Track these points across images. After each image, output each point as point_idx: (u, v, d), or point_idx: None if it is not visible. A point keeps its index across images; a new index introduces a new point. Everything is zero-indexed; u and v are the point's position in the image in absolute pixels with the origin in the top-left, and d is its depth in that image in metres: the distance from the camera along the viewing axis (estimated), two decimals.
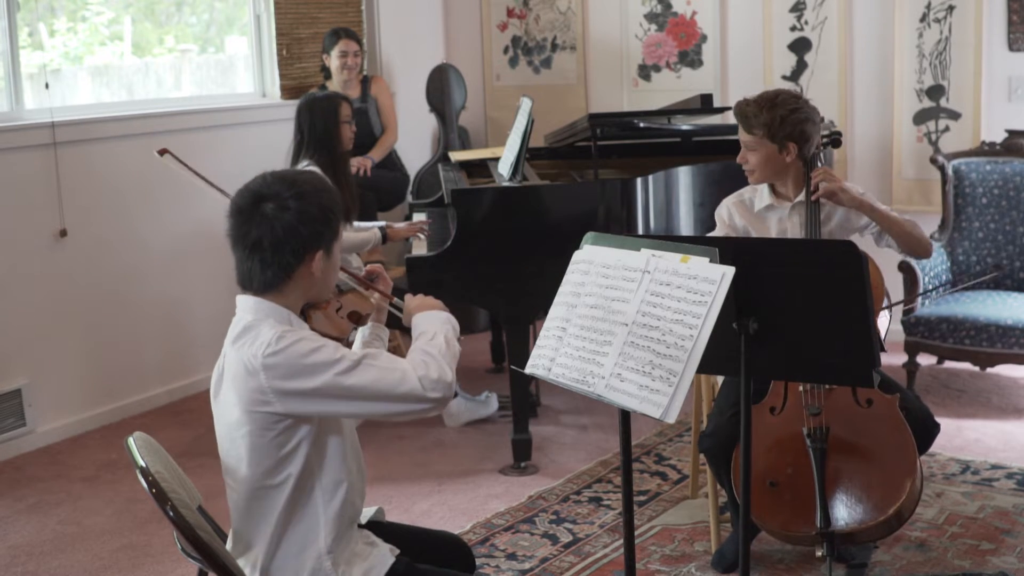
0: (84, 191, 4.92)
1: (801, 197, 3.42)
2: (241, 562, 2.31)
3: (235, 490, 2.33)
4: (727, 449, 3.20)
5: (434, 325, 2.42)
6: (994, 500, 3.87)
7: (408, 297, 2.59)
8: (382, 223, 4.78)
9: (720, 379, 3.56)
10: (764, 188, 3.48)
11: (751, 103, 3.42)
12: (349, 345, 2.45)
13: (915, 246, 3.45)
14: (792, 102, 3.38)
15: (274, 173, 2.34)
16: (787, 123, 3.36)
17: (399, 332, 4.54)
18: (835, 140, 3.62)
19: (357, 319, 2.58)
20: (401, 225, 4.78)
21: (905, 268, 4.90)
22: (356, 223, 4.68)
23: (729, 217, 3.52)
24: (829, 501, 2.99)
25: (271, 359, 2.18)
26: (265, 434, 2.23)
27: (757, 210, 3.48)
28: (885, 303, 3.29)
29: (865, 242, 3.25)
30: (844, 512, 2.99)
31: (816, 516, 2.95)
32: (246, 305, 2.30)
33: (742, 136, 3.45)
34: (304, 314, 2.36)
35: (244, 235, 2.27)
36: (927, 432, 3.20)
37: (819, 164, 3.44)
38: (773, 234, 3.45)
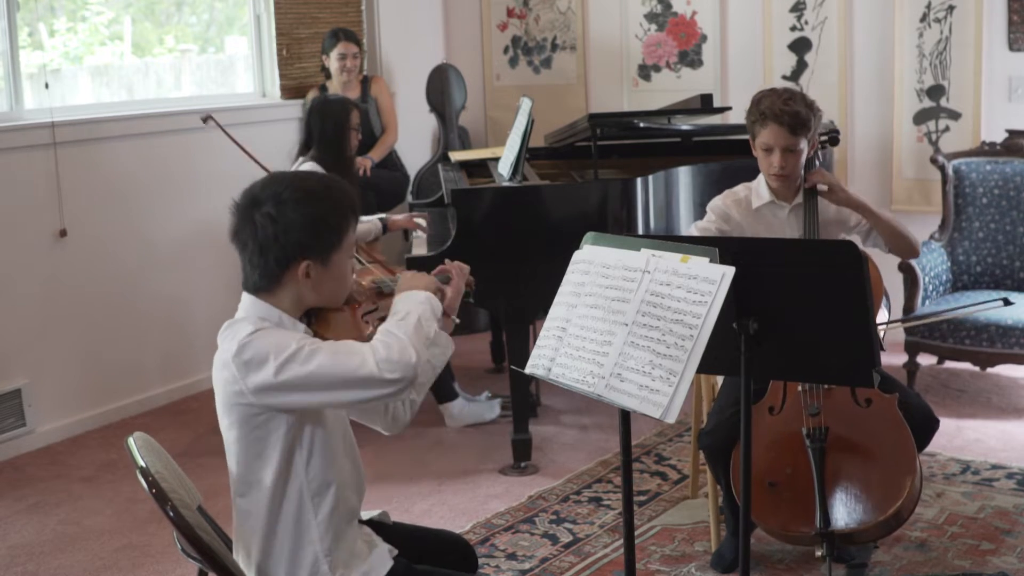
0: (84, 191, 4.92)
1: (799, 199, 3.40)
2: (240, 561, 2.31)
3: (231, 485, 2.33)
4: (726, 448, 3.19)
5: (409, 305, 2.32)
6: (994, 500, 3.87)
7: (403, 274, 2.49)
8: (382, 215, 4.81)
9: (720, 378, 3.56)
10: (762, 186, 3.44)
11: (797, 102, 3.25)
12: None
13: (904, 245, 3.43)
14: (807, 97, 3.34)
15: (277, 175, 2.31)
16: (819, 119, 3.34)
17: None
18: (833, 139, 3.60)
19: None
20: (400, 217, 4.81)
21: (905, 268, 4.90)
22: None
23: (725, 211, 3.45)
24: (828, 501, 2.99)
25: (240, 352, 2.17)
26: (243, 428, 2.23)
27: (756, 207, 3.44)
28: (883, 307, 3.29)
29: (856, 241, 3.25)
30: (843, 512, 2.99)
31: (815, 516, 2.95)
32: (242, 303, 2.31)
33: (785, 140, 3.27)
34: (316, 316, 2.33)
35: (236, 234, 2.28)
36: (927, 428, 3.19)
37: (816, 164, 3.42)
38: (770, 233, 3.42)
